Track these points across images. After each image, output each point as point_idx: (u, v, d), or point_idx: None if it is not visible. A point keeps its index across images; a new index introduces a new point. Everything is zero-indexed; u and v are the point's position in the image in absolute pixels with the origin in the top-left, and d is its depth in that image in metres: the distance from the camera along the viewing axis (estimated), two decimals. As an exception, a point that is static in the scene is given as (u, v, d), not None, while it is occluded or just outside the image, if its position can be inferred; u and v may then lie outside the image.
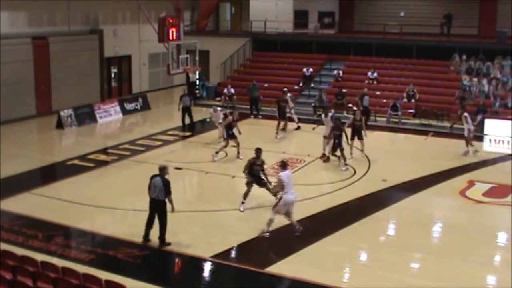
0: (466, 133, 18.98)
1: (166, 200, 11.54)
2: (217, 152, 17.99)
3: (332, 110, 20.26)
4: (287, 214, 12.25)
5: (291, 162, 17.79)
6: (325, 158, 18.03)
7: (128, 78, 30.24)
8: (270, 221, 12.23)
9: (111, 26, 28.07)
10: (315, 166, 17.46)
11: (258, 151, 13.70)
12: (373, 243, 12.36)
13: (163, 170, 11.63)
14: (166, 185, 11.46)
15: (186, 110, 22.40)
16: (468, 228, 13.25)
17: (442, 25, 30.06)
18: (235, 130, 18.39)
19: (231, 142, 18.22)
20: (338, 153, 17.44)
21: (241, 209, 13.66)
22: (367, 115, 22.32)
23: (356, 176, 16.63)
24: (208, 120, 23.04)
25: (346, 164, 17.24)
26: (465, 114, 19.14)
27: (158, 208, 11.55)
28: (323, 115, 19.51)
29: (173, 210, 11.63)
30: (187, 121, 22.65)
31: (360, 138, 18.46)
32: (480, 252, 11.85)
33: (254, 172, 13.58)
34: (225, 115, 19.03)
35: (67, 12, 25.77)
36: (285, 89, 23.46)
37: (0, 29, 22.32)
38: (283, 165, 12.48)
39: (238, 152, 18.06)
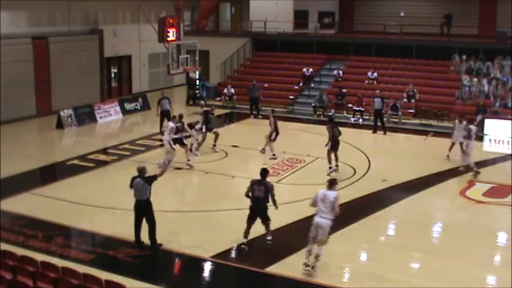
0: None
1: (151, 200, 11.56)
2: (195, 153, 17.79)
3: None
4: (317, 241, 10.54)
5: (291, 162, 17.81)
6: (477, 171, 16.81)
7: (128, 78, 30.24)
8: (308, 251, 10.69)
9: (111, 26, 28.07)
10: (315, 166, 17.44)
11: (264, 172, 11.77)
12: (373, 243, 12.37)
13: (142, 170, 11.65)
14: (149, 181, 11.52)
15: (165, 114, 20.81)
16: (468, 228, 13.25)
17: (442, 25, 30.09)
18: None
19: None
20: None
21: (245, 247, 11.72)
22: (379, 117, 22.11)
23: (356, 176, 16.63)
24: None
25: (335, 166, 16.86)
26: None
27: (144, 208, 11.55)
28: (456, 121, 17.80)
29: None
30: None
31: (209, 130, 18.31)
32: (480, 252, 11.85)
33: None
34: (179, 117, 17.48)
35: (67, 12, 25.77)
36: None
37: (0, 29, 22.33)
38: (330, 183, 10.72)
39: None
